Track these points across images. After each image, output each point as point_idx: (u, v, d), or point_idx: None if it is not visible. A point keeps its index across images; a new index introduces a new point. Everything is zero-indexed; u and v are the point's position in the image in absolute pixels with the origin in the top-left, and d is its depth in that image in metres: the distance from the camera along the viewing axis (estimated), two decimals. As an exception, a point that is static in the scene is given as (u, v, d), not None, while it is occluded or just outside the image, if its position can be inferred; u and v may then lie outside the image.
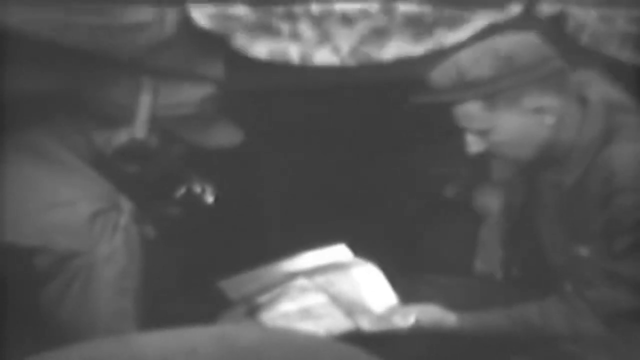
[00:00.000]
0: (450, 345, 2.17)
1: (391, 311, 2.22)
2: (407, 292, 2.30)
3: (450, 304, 2.19)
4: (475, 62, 1.99)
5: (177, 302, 2.40)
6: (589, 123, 2.02)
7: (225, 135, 2.21)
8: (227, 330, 1.78)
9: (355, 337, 2.10)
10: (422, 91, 2.05)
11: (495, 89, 1.98)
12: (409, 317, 2.14)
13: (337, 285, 2.33)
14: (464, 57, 2.02)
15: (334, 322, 2.22)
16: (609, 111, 2.03)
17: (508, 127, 2.01)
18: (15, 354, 1.76)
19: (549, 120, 2.01)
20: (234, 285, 2.32)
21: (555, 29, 2.25)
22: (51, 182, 2.02)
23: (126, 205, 2.04)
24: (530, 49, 2.01)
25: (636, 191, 1.94)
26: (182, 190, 2.33)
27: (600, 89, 2.08)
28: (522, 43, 2.02)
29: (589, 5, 2.27)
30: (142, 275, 2.00)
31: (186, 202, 2.33)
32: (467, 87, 1.99)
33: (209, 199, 2.36)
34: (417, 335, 2.15)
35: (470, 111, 2.02)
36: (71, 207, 1.97)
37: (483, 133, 2.03)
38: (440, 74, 2.03)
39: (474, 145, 2.05)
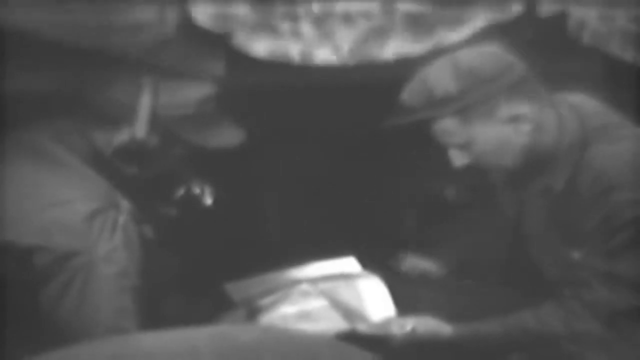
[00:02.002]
0: (448, 348, 2.18)
1: (388, 321, 2.24)
2: (404, 298, 2.31)
3: (449, 307, 2.20)
4: (440, 79, 2.01)
5: (177, 302, 2.39)
6: (565, 127, 2.03)
7: (226, 136, 2.20)
8: (228, 330, 1.78)
9: (351, 339, 2.11)
10: (395, 112, 2.06)
11: (465, 103, 1.99)
12: (405, 327, 2.16)
13: (339, 292, 2.35)
14: (430, 74, 2.03)
15: (331, 324, 2.24)
16: (580, 117, 2.03)
17: (486, 138, 2.02)
18: (15, 354, 1.76)
19: (526, 127, 2.02)
20: (239, 288, 2.33)
21: (556, 29, 2.25)
22: (50, 182, 2.01)
23: (125, 204, 2.03)
24: (491, 60, 2.02)
25: (629, 189, 1.94)
26: (181, 191, 2.33)
27: (566, 97, 2.09)
28: (482, 55, 2.04)
29: (589, 4, 2.26)
30: (142, 274, 2.00)
31: (185, 203, 2.33)
32: (436, 104, 2.01)
33: (208, 200, 2.36)
34: (413, 344, 2.17)
35: (447, 127, 2.03)
36: (70, 207, 1.96)
37: (464, 146, 2.04)
38: (410, 94, 2.04)
39: (457, 159, 2.07)
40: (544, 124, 2.03)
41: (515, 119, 2.01)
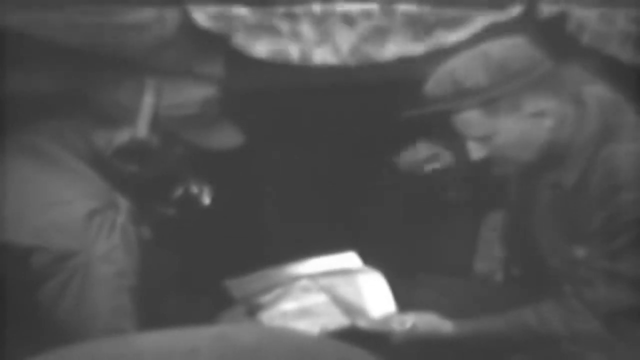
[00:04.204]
0: (449, 346, 2.18)
1: (389, 317, 2.24)
2: (405, 295, 2.32)
3: (450, 306, 2.20)
4: (469, 70, 2.00)
5: (177, 301, 2.39)
6: (585, 123, 2.03)
7: (226, 137, 2.20)
8: (227, 330, 1.77)
9: (351, 335, 2.11)
10: (418, 102, 2.05)
11: (492, 95, 1.99)
12: (405, 323, 2.16)
13: (340, 287, 2.35)
14: (457, 65, 2.02)
15: (331, 320, 2.25)
16: (604, 112, 2.03)
17: (509, 132, 2.02)
18: (14, 354, 1.76)
19: (549, 122, 2.01)
20: (239, 285, 2.34)
21: (556, 29, 2.25)
22: (49, 182, 2.01)
23: (123, 204, 2.03)
24: (520, 53, 2.02)
25: (636, 189, 1.94)
26: (179, 191, 2.33)
27: (594, 89, 2.09)
28: (512, 47, 2.03)
29: (589, 5, 2.26)
30: (140, 274, 2.00)
31: (183, 203, 2.33)
32: (464, 95, 2.00)
33: (206, 200, 2.36)
34: (413, 340, 2.17)
35: (470, 118, 2.02)
36: (68, 207, 1.96)
37: (484, 139, 2.03)
38: (435, 84, 2.03)
39: (475, 151, 2.06)
40: (564, 119, 2.03)
41: (539, 114, 2.01)
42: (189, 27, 2.04)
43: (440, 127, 2.09)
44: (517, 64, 1.99)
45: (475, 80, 1.99)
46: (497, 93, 1.99)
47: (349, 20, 2.14)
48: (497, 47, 2.04)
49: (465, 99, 2.00)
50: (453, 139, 2.15)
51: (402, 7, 2.17)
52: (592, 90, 2.09)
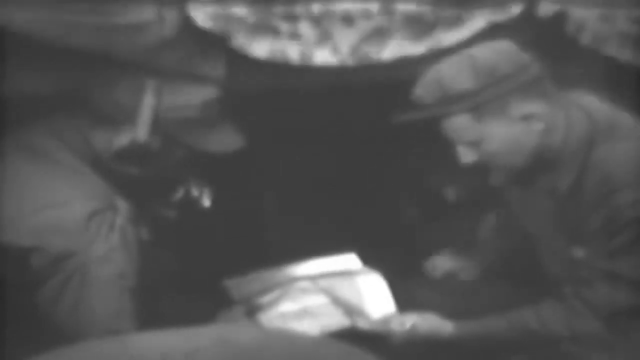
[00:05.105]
0: (449, 346, 2.18)
1: (389, 317, 2.25)
2: (405, 295, 2.32)
3: (450, 307, 2.20)
4: (457, 75, 2.00)
5: (176, 302, 2.39)
6: (573, 129, 2.03)
7: (226, 139, 2.20)
8: (227, 331, 1.78)
9: (351, 336, 2.12)
10: (407, 108, 2.05)
11: (480, 100, 1.99)
12: (405, 324, 2.16)
13: (339, 289, 2.36)
14: (445, 70, 2.02)
15: (331, 320, 2.26)
16: (590, 118, 2.04)
17: (498, 136, 2.02)
18: (14, 354, 1.76)
19: (538, 126, 2.01)
20: (239, 285, 2.34)
21: (555, 29, 2.25)
22: (48, 182, 2.02)
23: (122, 205, 2.03)
24: (508, 57, 2.01)
25: (633, 189, 1.94)
26: (179, 193, 2.33)
27: (579, 96, 2.09)
28: (499, 52, 2.03)
29: (589, 5, 2.26)
30: (139, 274, 2.00)
31: (183, 205, 2.33)
32: (451, 101, 2.00)
33: (206, 202, 2.36)
34: (413, 341, 2.18)
35: (459, 124, 2.02)
36: (67, 207, 1.97)
37: (474, 144, 2.03)
38: (423, 90, 2.03)
39: (465, 156, 2.06)
40: (553, 123, 2.03)
41: (527, 118, 2.01)
42: (189, 27, 2.04)
43: (432, 130, 2.09)
44: (505, 68, 1.99)
45: (463, 85, 1.99)
46: (484, 97, 1.99)
47: (348, 20, 2.14)
48: (484, 51, 2.04)
49: (453, 104, 2.00)
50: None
51: (402, 7, 2.17)
52: (576, 98, 2.09)
